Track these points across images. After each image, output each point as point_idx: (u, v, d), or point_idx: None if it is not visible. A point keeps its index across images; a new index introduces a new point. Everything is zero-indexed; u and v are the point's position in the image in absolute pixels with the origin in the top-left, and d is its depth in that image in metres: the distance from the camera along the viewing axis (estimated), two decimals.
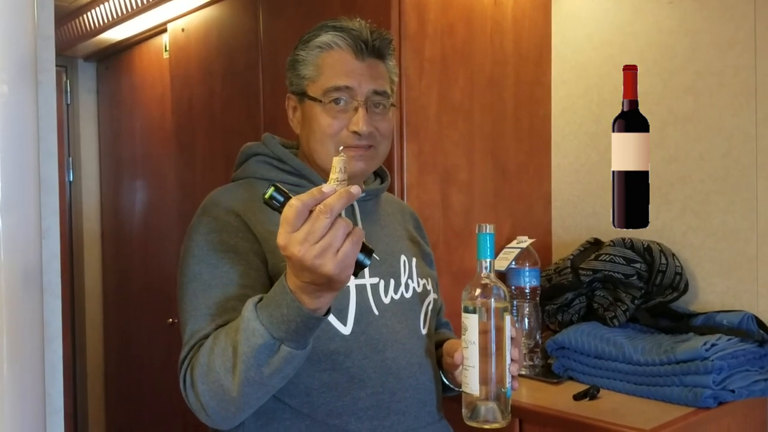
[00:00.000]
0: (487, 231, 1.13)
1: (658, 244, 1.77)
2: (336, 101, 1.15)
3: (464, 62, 1.86)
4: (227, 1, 2.31)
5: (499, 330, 1.10)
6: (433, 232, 1.79)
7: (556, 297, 1.81)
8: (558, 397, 1.53)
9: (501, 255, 1.88)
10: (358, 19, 1.21)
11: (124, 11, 2.57)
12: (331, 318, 1.10)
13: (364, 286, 1.17)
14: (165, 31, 2.63)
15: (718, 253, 1.76)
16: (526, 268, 1.81)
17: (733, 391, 1.46)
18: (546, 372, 1.72)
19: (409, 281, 1.25)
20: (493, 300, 1.10)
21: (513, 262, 1.82)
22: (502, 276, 1.89)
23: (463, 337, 1.11)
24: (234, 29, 2.29)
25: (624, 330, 1.69)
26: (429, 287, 1.30)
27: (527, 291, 1.79)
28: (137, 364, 2.94)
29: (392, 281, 1.21)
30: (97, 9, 2.69)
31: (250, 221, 1.13)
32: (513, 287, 1.81)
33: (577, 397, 1.52)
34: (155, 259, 2.80)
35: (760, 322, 1.63)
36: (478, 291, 1.11)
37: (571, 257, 1.83)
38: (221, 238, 1.11)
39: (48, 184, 0.97)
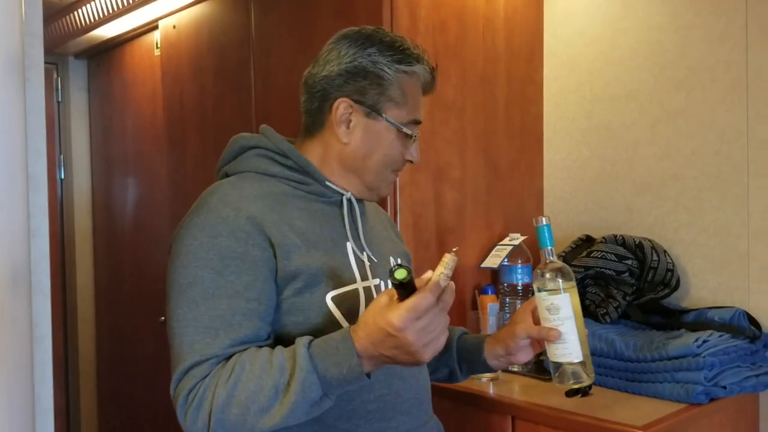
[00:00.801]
0: (544, 223, 1.27)
1: (649, 240, 1.78)
2: (412, 134, 1.18)
3: (456, 59, 1.86)
4: None
5: (579, 304, 1.27)
6: (426, 230, 1.79)
7: None
8: (550, 394, 1.53)
9: (493, 252, 1.88)
10: (419, 48, 1.21)
11: (115, 8, 2.56)
12: (344, 323, 1.10)
13: (370, 288, 1.16)
14: (156, 28, 2.62)
15: (709, 249, 1.77)
16: (519, 265, 1.81)
17: (724, 387, 1.47)
18: (538, 369, 1.71)
19: None
20: (566, 279, 1.26)
21: (505, 260, 1.82)
22: (495, 273, 1.89)
23: (555, 316, 1.24)
24: (225, 26, 2.27)
25: (616, 326, 1.69)
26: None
27: (519, 288, 1.80)
28: (129, 362, 2.93)
29: (389, 282, 1.20)
30: (88, 6, 2.67)
31: (264, 223, 1.08)
32: (505, 284, 1.81)
33: (569, 393, 1.52)
34: (147, 256, 2.79)
35: (751, 318, 1.64)
36: (552, 274, 1.25)
37: (563, 254, 1.83)
38: (229, 243, 1.05)
39: (37, 182, 0.97)
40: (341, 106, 1.16)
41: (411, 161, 1.21)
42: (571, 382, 1.28)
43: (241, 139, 1.22)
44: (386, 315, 0.94)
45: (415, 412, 1.17)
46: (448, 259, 0.97)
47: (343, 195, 1.20)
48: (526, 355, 1.30)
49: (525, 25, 2.05)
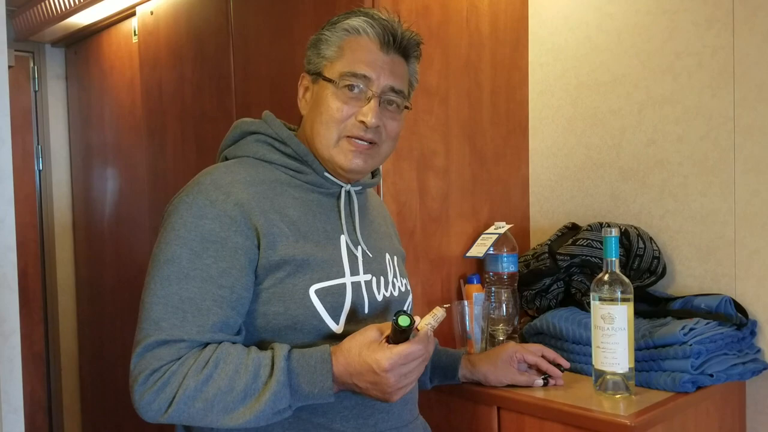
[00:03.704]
0: (614, 234, 1.37)
1: (635, 227, 1.76)
2: (350, 87, 1.11)
3: (440, 45, 1.82)
4: None
5: (633, 317, 1.37)
6: (410, 219, 1.76)
7: (534, 282, 1.79)
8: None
9: (479, 241, 1.86)
10: (392, 14, 1.18)
11: None
12: (325, 316, 1.08)
13: (359, 283, 1.14)
14: (134, 14, 2.57)
15: (696, 236, 1.75)
16: (504, 254, 1.78)
17: (711, 376, 1.45)
18: None
19: (395, 280, 1.23)
20: (625, 291, 1.36)
21: (491, 248, 1.79)
22: (480, 262, 1.87)
23: (609, 326, 1.35)
24: (204, 12, 2.23)
25: None
26: (409, 288, 1.29)
27: (505, 277, 1.77)
28: (111, 354, 2.89)
29: (382, 278, 1.19)
30: None
31: (252, 212, 1.06)
32: (491, 273, 1.79)
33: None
34: (128, 248, 2.75)
35: (738, 306, 1.62)
36: (612, 285, 1.36)
37: (549, 242, 1.81)
38: (213, 226, 1.04)
39: (1, 172, 0.93)
40: (301, 81, 1.20)
41: (364, 123, 1.12)
42: (610, 392, 1.38)
43: (242, 124, 1.21)
44: (375, 353, 0.97)
45: (398, 412, 1.15)
46: (439, 313, 1.02)
47: (342, 187, 1.18)
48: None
49: (509, 10, 2.02)
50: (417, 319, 1.00)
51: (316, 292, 1.08)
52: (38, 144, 3.11)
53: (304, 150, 1.16)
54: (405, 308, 1.25)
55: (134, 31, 2.58)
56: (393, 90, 1.14)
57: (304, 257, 1.07)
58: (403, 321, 0.97)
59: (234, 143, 1.21)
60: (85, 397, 3.14)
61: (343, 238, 1.15)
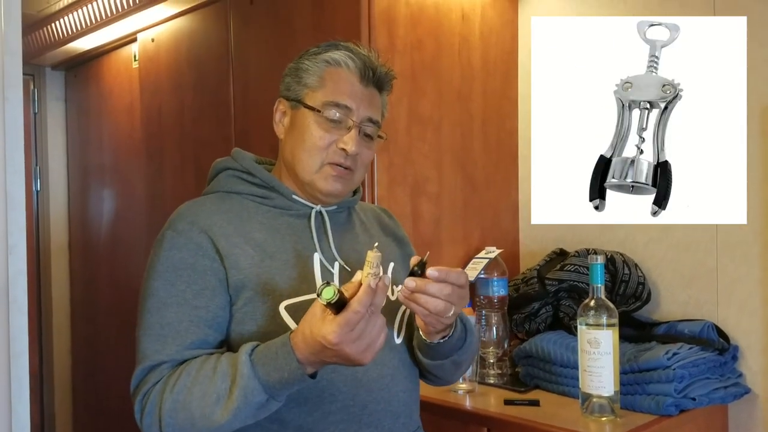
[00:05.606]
0: (599, 261, 1.43)
1: (621, 254, 1.81)
2: (332, 116, 1.17)
3: (433, 76, 1.89)
4: (197, 12, 2.31)
5: (617, 341, 1.42)
6: None
7: (524, 306, 1.84)
8: (525, 406, 1.55)
9: (470, 265, 1.91)
10: (367, 47, 1.24)
11: (94, 20, 2.56)
12: None
13: None
14: (135, 40, 2.62)
15: (679, 263, 1.80)
16: (494, 278, 1.83)
17: (694, 399, 1.50)
18: (513, 381, 1.74)
19: None
20: (610, 317, 1.41)
21: (481, 272, 1.84)
22: (472, 286, 1.91)
23: (595, 350, 1.40)
24: (204, 40, 2.29)
25: None
26: None
27: (495, 301, 1.82)
28: (105, 375, 2.91)
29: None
30: (67, 18, 2.67)
31: (215, 236, 1.13)
32: (481, 297, 1.84)
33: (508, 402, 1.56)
34: (123, 270, 2.78)
35: (720, 331, 1.67)
36: (598, 310, 1.41)
37: (538, 267, 1.86)
38: (181, 255, 1.11)
39: (14, 200, 0.97)
40: (277, 106, 1.25)
41: (345, 150, 1.16)
42: (596, 414, 1.42)
43: (216, 164, 1.29)
44: (321, 329, 0.95)
45: (388, 425, 1.16)
46: (373, 257, 0.97)
47: (312, 208, 1.22)
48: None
49: (500, 44, 2.08)
50: (358, 274, 0.97)
51: (287, 308, 1.11)
52: (36, 165, 3.14)
53: (269, 177, 1.22)
54: (399, 315, 1.23)
55: (134, 57, 2.64)
56: (370, 120, 1.20)
57: (270, 276, 1.12)
58: (327, 294, 0.93)
59: (211, 181, 1.28)
60: (78, 417, 3.15)
61: (317, 256, 1.18)
